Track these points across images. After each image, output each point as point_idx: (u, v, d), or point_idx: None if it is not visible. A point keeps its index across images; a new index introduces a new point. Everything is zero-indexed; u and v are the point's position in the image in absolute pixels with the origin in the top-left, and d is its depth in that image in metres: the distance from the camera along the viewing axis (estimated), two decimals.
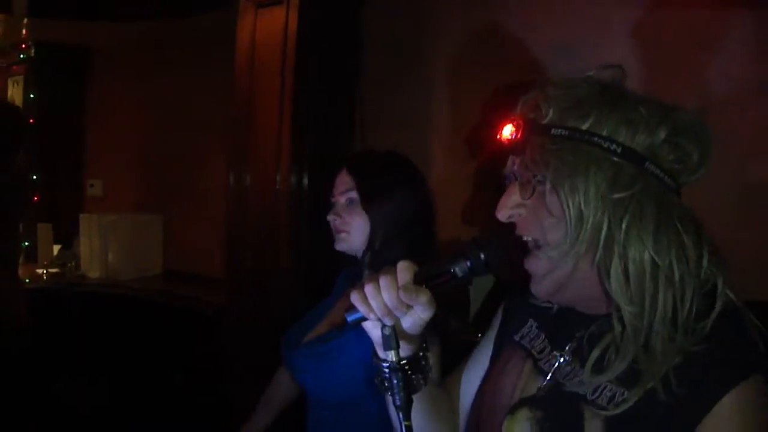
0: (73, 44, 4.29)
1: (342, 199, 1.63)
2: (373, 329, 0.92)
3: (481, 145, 2.45)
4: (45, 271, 3.79)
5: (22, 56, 4.15)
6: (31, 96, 4.17)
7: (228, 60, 2.84)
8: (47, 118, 4.10)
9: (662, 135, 0.88)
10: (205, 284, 3.51)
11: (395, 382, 0.88)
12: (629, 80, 0.98)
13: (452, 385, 1.21)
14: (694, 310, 0.86)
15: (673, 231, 0.86)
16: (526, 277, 0.99)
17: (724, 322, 0.86)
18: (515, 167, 0.97)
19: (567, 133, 0.90)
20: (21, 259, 3.27)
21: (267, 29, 2.70)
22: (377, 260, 1.57)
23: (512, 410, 1.01)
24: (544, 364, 1.02)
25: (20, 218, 3.04)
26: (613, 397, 0.89)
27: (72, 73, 4.32)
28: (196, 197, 3.82)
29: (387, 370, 0.89)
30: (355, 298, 0.88)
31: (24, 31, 4.04)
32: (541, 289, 0.97)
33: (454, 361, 1.26)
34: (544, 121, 0.92)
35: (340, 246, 1.65)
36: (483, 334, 1.23)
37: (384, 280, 0.87)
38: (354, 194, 1.60)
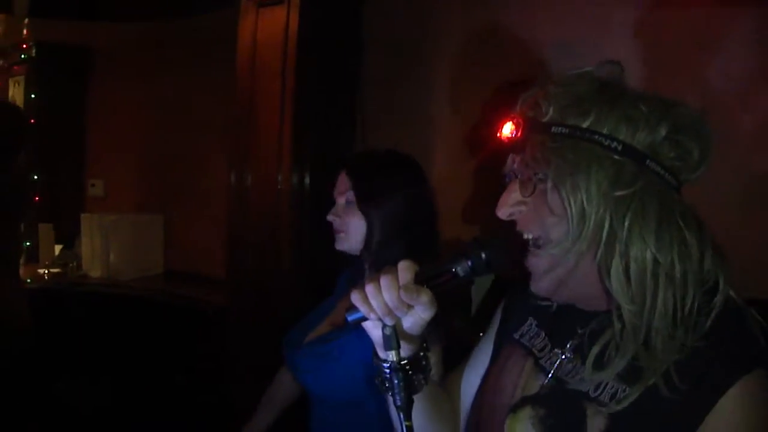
0: (74, 44, 4.29)
1: (341, 200, 1.64)
2: (374, 329, 0.91)
3: (482, 143, 2.45)
4: (46, 271, 3.79)
5: (23, 56, 4.14)
6: (32, 96, 4.17)
7: (229, 60, 2.84)
8: (48, 118, 4.09)
9: (663, 132, 0.88)
10: (206, 284, 3.51)
11: (396, 382, 0.88)
12: (630, 79, 0.97)
13: (453, 385, 1.21)
14: (695, 307, 0.86)
15: (675, 228, 0.86)
16: (525, 275, 0.99)
17: (725, 318, 0.86)
18: (515, 165, 0.97)
19: (567, 131, 0.90)
20: (22, 259, 3.26)
21: (268, 29, 2.70)
22: (376, 260, 1.57)
23: (514, 409, 1.01)
24: (545, 362, 1.02)
25: (21, 218, 3.04)
26: (615, 394, 0.89)
27: (73, 73, 4.32)
28: (198, 197, 3.82)
29: (388, 371, 0.89)
30: (355, 297, 0.88)
31: (25, 31, 4.03)
32: (541, 286, 0.97)
33: (456, 360, 1.26)
34: (545, 119, 0.92)
35: (339, 246, 1.65)
36: (483, 333, 1.23)
37: (385, 280, 0.86)
38: (351, 195, 1.61)
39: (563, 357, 1.00)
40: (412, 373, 0.92)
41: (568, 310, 1.02)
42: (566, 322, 1.02)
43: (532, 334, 1.09)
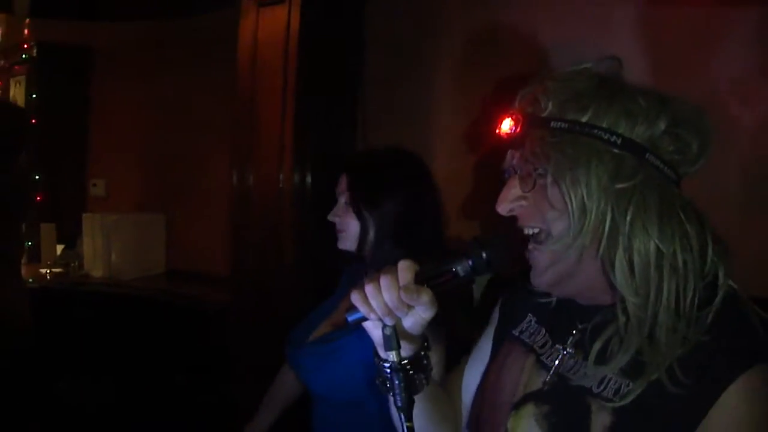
0: (75, 44, 4.28)
1: (341, 199, 1.64)
2: (374, 329, 0.91)
3: (482, 140, 2.45)
4: (48, 271, 3.79)
5: (23, 56, 4.14)
6: (33, 96, 4.16)
7: (229, 59, 2.83)
8: (49, 118, 4.08)
9: (662, 126, 0.89)
10: (208, 283, 3.50)
11: (396, 382, 0.88)
12: (630, 78, 0.97)
13: (453, 383, 1.21)
14: (696, 300, 0.86)
15: (676, 221, 0.86)
16: (526, 269, 0.99)
17: (726, 311, 0.86)
18: (515, 161, 0.97)
19: (567, 125, 0.90)
20: (24, 259, 3.27)
21: (269, 28, 2.70)
22: (371, 261, 1.57)
23: (517, 406, 1.01)
24: (547, 358, 1.02)
25: (23, 218, 3.04)
26: (618, 389, 0.89)
27: (74, 73, 4.31)
28: (199, 196, 3.81)
29: (388, 371, 0.89)
30: (355, 298, 0.88)
31: (26, 31, 4.04)
32: (542, 281, 0.97)
33: (457, 359, 1.26)
34: (544, 114, 0.93)
35: (341, 245, 1.65)
36: (482, 330, 1.23)
37: (385, 280, 0.86)
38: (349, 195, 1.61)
39: (564, 353, 1.00)
40: (412, 373, 0.92)
41: (567, 305, 1.02)
42: (566, 318, 1.02)
43: (532, 331, 1.09)
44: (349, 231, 1.60)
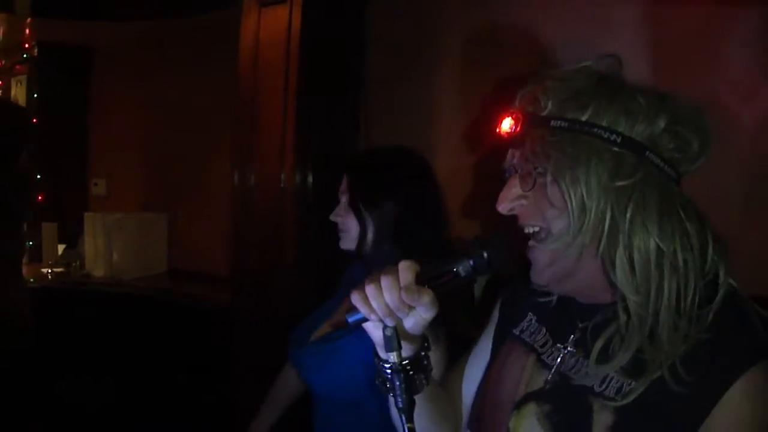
0: (76, 44, 4.28)
1: (343, 199, 1.64)
2: (375, 330, 0.91)
3: (482, 140, 2.45)
4: (50, 271, 3.80)
5: (24, 56, 4.15)
6: (34, 95, 4.17)
7: (230, 59, 2.84)
8: (50, 117, 4.09)
9: (662, 124, 0.89)
10: (210, 282, 3.51)
11: (397, 383, 0.87)
12: (630, 78, 0.97)
13: (453, 383, 1.20)
14: (697, 298, 0.86)
15: (676, 219, 0.86)
16: (526, 267, 0.99)
17: (727, 309, 0.86)
18: (515, 160, 0.97)
19: (566, 124, 0.90)
20: (25, 259, 3.27)
21: (270, 28, 2.70)
22: (370, 261, 1.57)
23: (518, 406, 1.01)
24: (548, 357, 1.02)
25: (24, 218, 3.04)
26: (620, 388, 0.89)
27: (75, 73, 4.32)
28: (200, 196, 3.82)
29: (389, 371, 0.88)
30: (356, 298, 0.87)
31: (27, 31, 4.05)
32: (542, 278, 0.97)
33: (457, 359, 1.26)
34: (543, 113, 0.93)
35: (343, 245, 1.65)
36: (482, 330, 1.23)
37: (385, 281, 0.85)
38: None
39: (565, 352, 1.00)
40: (413, 374, 0.91)
41: (568, 304, 1.02)
42: (567, 317, 1.02)
43: (532, 330, 1.09)
44: (351, 231, 1.60)
